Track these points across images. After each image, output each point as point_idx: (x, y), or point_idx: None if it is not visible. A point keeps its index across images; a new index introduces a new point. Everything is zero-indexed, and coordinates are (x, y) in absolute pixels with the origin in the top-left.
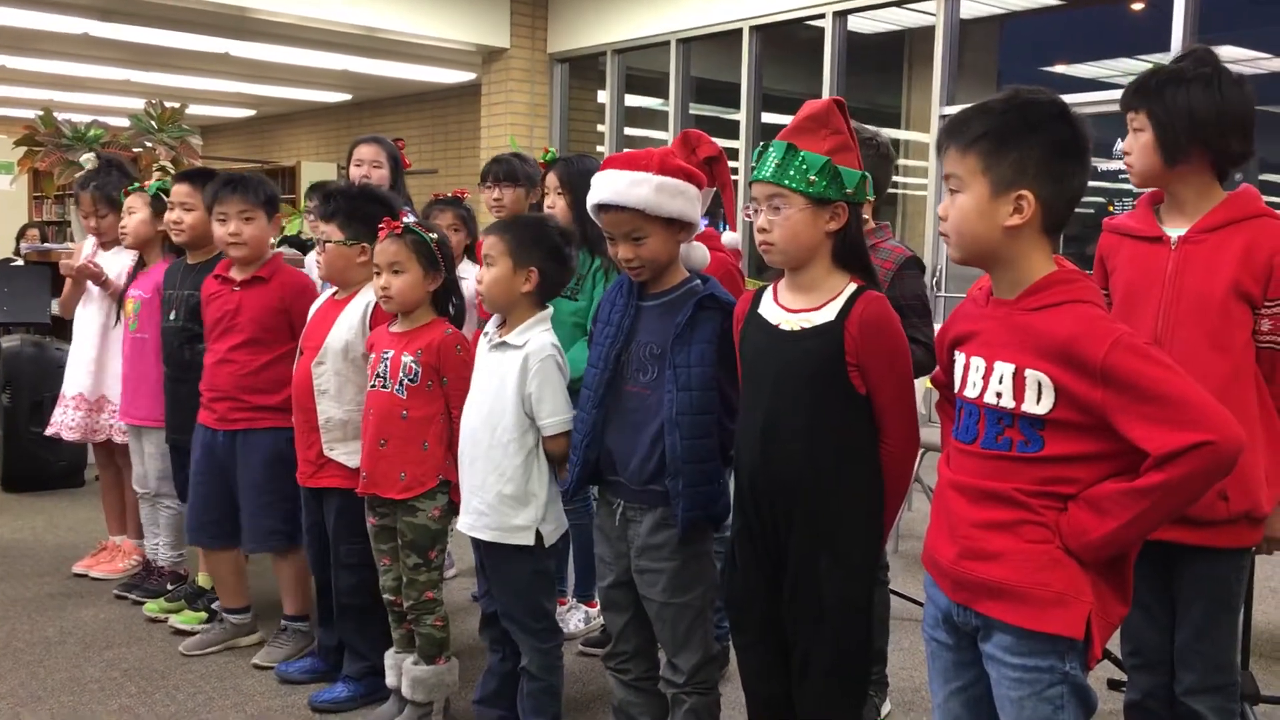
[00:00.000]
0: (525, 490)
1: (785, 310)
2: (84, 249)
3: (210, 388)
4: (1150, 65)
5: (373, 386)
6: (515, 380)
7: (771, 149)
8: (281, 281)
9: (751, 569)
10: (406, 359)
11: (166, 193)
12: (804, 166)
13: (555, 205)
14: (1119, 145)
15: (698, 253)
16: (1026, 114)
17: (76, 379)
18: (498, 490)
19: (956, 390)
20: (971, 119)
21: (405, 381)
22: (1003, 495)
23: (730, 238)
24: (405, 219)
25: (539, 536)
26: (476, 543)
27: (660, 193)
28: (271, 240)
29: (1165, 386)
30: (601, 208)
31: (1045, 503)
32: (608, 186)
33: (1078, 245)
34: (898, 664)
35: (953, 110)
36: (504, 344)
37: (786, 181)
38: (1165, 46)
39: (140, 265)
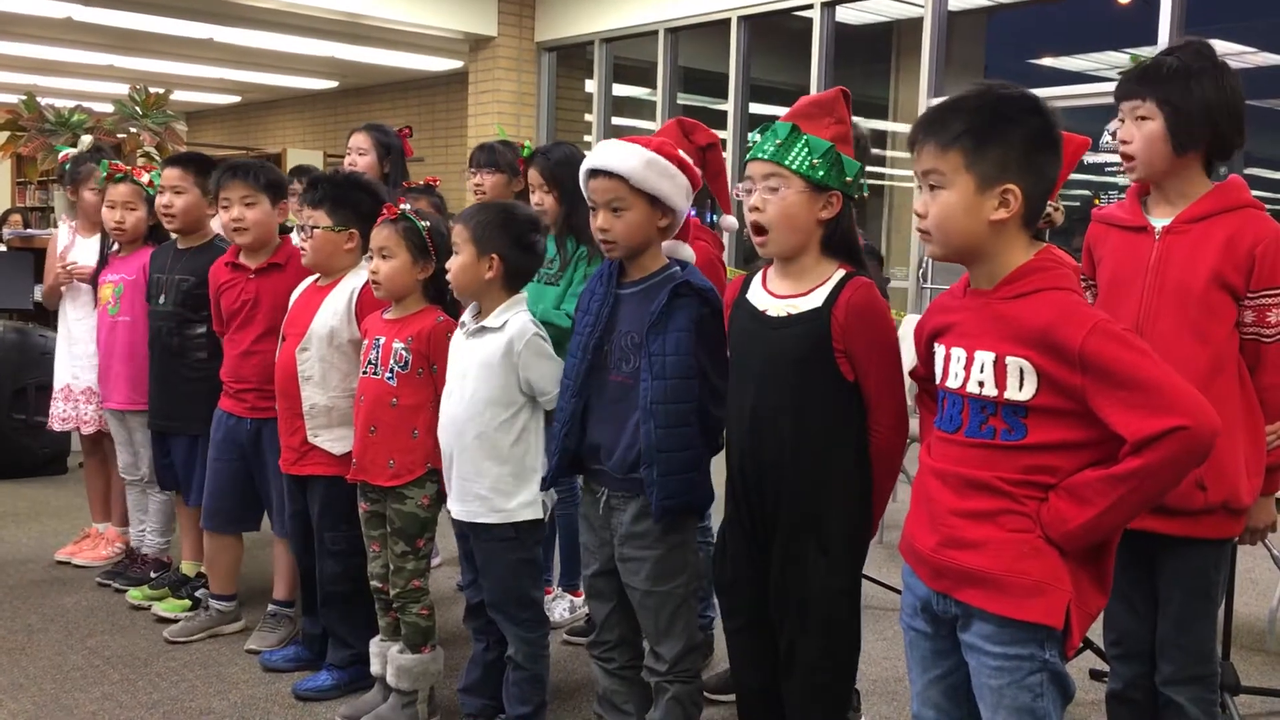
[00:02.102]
0: (524, 467)
1: (773, 296)
2: (60, 238)
3: (237, 379)
4: (1139, 57)
5: (364, 373)
6: (500, 363)
7: (773, 129)
8: (299, 268)
9: (741, 555)
10: (397, 346)
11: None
12: (807, 150)
13: (544, 202)
14: (1105, 138)
15: (683, 251)
16: (1003, 108)
17: (83, 373)
18: (497, 473)
19: (938, 381)
20: (948, 116)
21: (395, 369)
22: (986, 484)
23: (729, 220)
24: (402, 206)
25: (544, 507)
26: (463, 532)
27: (648, 167)
28: (286, 224)
29: (1141, 372)
30: (590, 174)
31: (1028, 492)
32: (600, 153)
33: (1064, 238)
34: (880, 653)
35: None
36: (482, 329)
37: (787, 162)
38: (1153, 39)
39: (109, 249)
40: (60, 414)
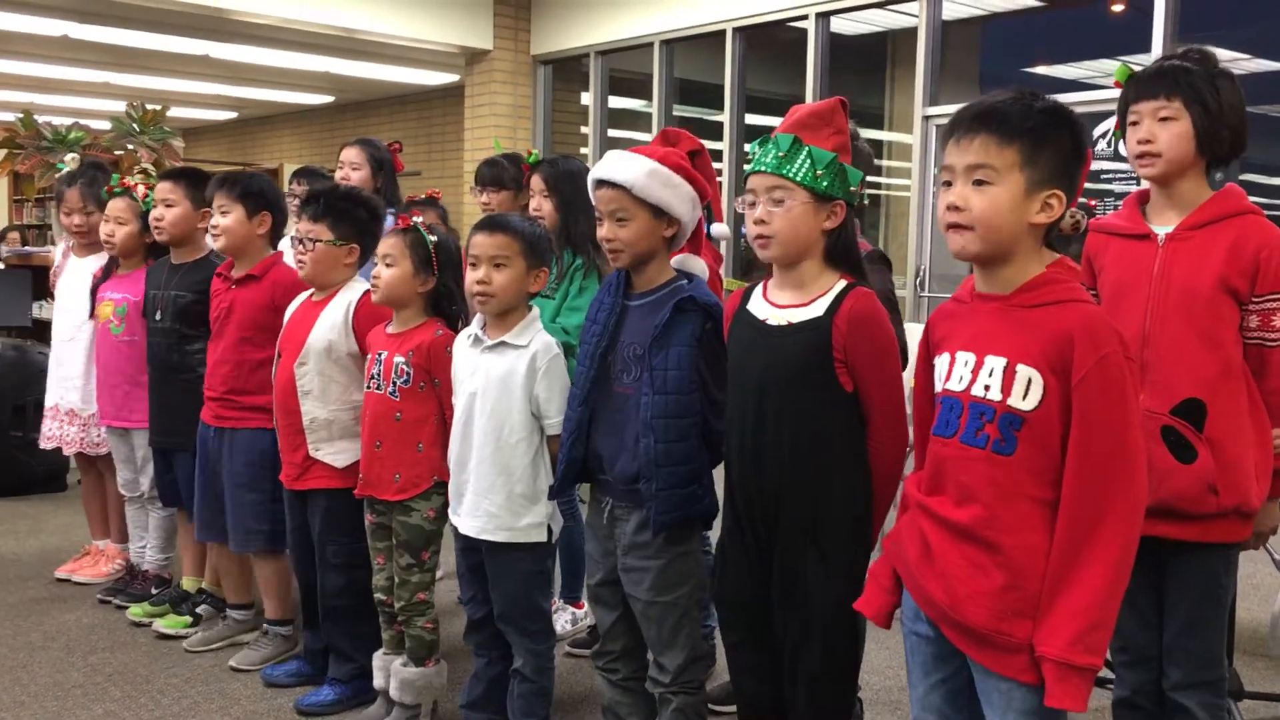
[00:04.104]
0: (535, 488)
1: (774, 306)
2: (55, 256)
3: (209, 386)
4: (1128, 67)
5: (368, 388)
6: (523, 380)
7: (774, 142)
8: (273, 280)
9: (741, 567)
10: (398, 360)
11: None
12: (811, 161)
13: (541, 208)
14: (1101, 144)
15: (693, 264)
16: (1057, 115)
17: (67, 394)
18: (508, 491)
19: (940, 386)
20: (1008, 112)
21: (398, 383)
22: (973, 493)
23: (719, 228)
24: (416, 218)
25: (549, 531)
26: (468, 547)
27: (650, 177)
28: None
29: (1111, 437)
30: (596, 185)
31: (1010, 516)
32: (605, 164)
33: (1059, 247)
34: (882, 662)
35: (936, 111)
36: (503, 344)
37: (791, 174)
38: (1146, 47)
39: (115, 265)
40: (47, 432)
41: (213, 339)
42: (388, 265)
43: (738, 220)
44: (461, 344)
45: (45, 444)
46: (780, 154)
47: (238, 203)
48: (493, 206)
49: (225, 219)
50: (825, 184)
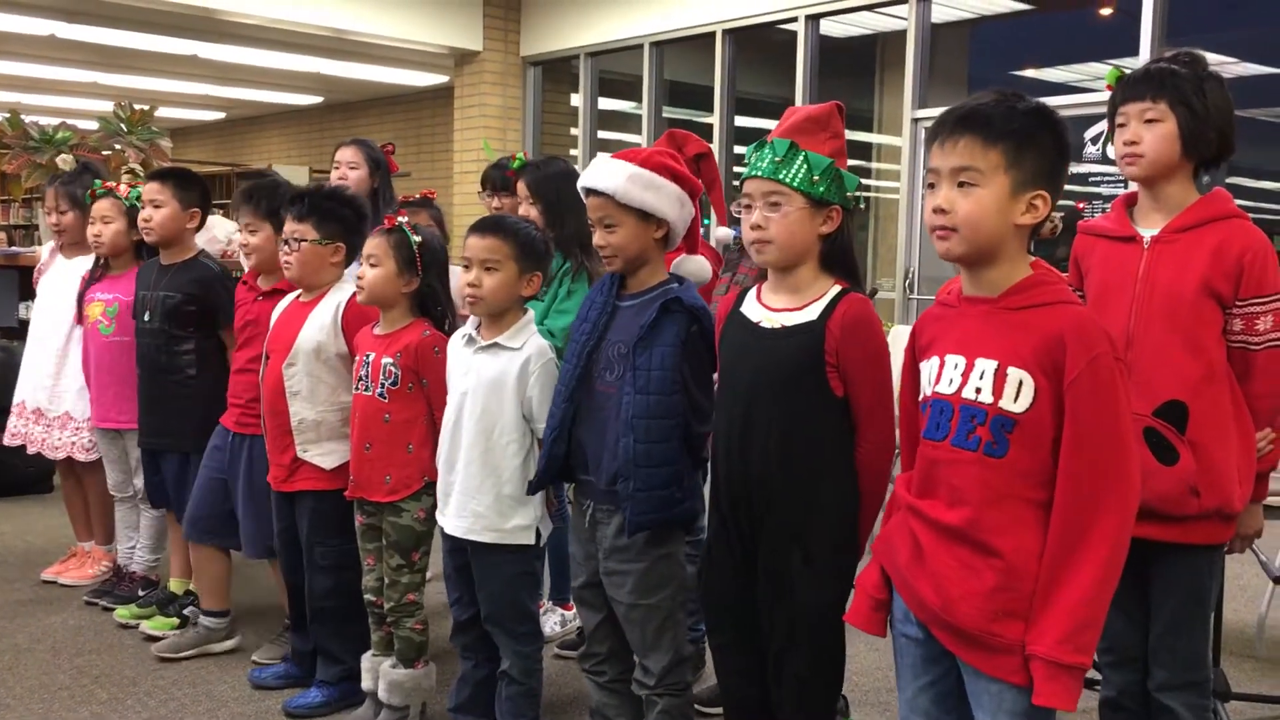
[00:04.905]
0: (523, 491)
1: (767, 309)
2: (43, 254)
3: (233, 394)
4: (1120, 69)
5: (356, 390)
6: (515, 382)
7: (769, 147)
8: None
9: (727, 569)
10: (386, 362)
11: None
12: (807, 166)
13: (529, 214)
14: (1091, 149)
15: (691, 265)
16: (1041, 116)
17: (35, 393)
18: (496, 492)
19: (929, 390)
20: (992, 114)
21: (386, 384)
22: (963, 496)
23: (723, 232)
24: (401, 218)
25: (537, 534)
26: (455, 548)
27: (631, 182)
28: None
29: (1105, 435)
30: (583, 192)
31: (999, 519)
32: (590, 171)
33: (1046, 249)
34: (870, 664)
35: (925, 114)
36: (496, 345)
37: (787, 179)
38: (1134, 51)
39: (105, 267)
40: (12, 429)
41: (239, 348)
42: (371, 265)
43: (730, 223)
44: (456, 344)
45: (9, 441)
46: (776, 159)
47: (265, 221)
48: (505, 210)
49: (254, 237)
50: (822, 189)
